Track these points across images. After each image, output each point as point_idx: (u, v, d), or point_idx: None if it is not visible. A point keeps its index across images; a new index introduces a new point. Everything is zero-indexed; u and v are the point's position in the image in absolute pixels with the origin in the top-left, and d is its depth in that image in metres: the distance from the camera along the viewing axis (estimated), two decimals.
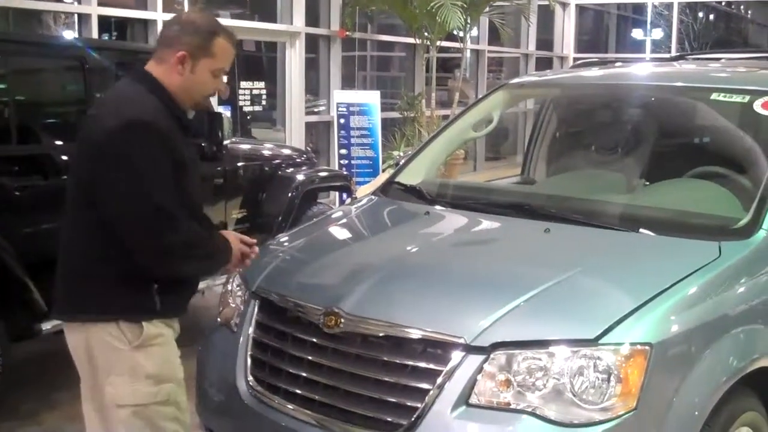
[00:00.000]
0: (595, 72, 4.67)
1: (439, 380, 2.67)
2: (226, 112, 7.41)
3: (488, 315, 2.74)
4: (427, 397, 2.67)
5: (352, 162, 10.90)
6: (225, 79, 2.82)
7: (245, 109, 10.53)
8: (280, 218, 6.34)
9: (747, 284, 3.03)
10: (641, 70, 4.74)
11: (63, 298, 2.70)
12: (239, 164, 6.30)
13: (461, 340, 2.69)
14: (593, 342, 2.62)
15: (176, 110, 2.70)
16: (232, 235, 2.88)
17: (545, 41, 17.88)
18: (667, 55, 5.74)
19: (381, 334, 2.83)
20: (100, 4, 8.35)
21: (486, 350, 2.67)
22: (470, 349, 2.68)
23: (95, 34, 8.22)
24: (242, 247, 2.86)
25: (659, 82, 4.25)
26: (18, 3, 7.96)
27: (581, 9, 19.18)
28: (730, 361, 2.86)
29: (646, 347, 2.61)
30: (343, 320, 2.88)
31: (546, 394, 2.61)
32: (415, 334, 2.77)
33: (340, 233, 3.92)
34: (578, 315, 2.75)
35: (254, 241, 2.91)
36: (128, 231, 2.54)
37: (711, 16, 28.26)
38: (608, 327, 2.64)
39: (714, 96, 3.78)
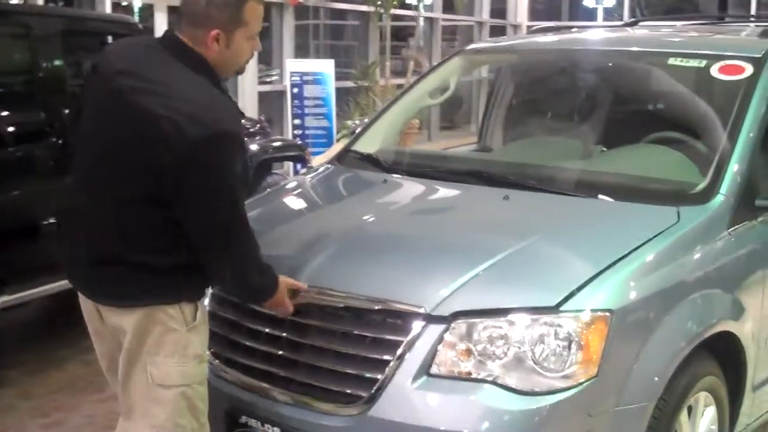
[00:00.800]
0: (551, 38, 4.63)
1: (400, 351, 2.63)
2: None
3: (448, 284, 2.70)
4: (387, 369, 2.62)
5: (306, 132, 10.77)
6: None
7: None
8: None
9: (705, 249, 3.03)
10: (597, 36, 4.72)
11: (112, 285, 2.58)
12: None
13: (421, 310, 2.65)
14: (553, 309, 2.60)
15: (224, 90, 2.61)
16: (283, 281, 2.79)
17: (499, 10, 17.85)
18: (620, 22, 5.68)
19: (339, 306, 2.78)
20: None
21: (446, 319, 2.63)
22: (430, 318, 2.64)
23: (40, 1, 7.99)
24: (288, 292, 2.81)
25: (616, 47, 4.22)
26: None
27: None
28: (689, 326, 2.87)
29: (607, 314, 2.60)
30: (300, 292, 2.83)
31: (507, 363, 2.58)
32: (374, 304, 2.73)
33: (296, 203, 3.85)
34: (538, 282, 2.72)
35: (304, 286, 2.83)
36: (205, 239, 2.53)
37: None
38: (568, 294, 2.62)
39: (671, 61, 3.77)
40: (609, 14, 20.25)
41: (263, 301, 2.78)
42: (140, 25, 5.61)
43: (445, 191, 3.57)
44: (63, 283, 4.48)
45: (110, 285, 2.59)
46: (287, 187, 4.08)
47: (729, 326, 3.03)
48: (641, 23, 5.03)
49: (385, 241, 3.11)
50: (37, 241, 4.87)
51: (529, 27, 15.25)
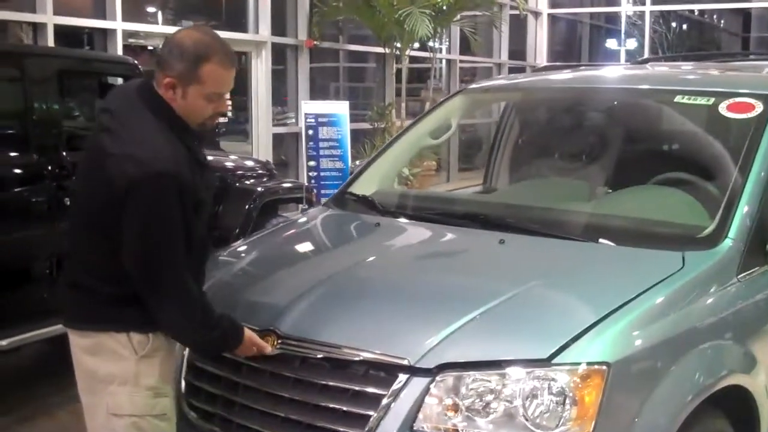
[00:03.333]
0: (557, 75, 4.51)
1: (382, 405, 2.48)
2: None
3: (434, 334, 2.55)
4: (368, 424, 2.48)
5: (321, 173, 10.69)
6: (227, 98, 2.69)
7: None
8: (237, 231, 6.15)
9: (712, 297, 2.86)
10: (605, 73, 4.58)
11: (74, 308, 2.67)
12: None
13: (404, 362, 2.50)
14: (546, 362, 2.44)
15: (186, 138, 2.57)
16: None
17: (518, 51, 17.84)
18: (629, 61, 5.57)
19: (320, 356, 2.63)
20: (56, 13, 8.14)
21: (431, 372, 2.48)
22: (414, 371, 2.49)
23: (50, 44, 8.00)
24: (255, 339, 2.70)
25: (621, 85, 4.08)
26: None
27: (554, 18, 19.14)
28: (696, 378, 2.69)
29: (604, 367, 2.43)
30: (279, 341, 2.69)
31: (497, 419, 2.43)
32: (355, 355, 2.58)
33: (285, 247, 3.70)
34: (530, 333, 2.57)
35: (269, 349, 2.70)
36: (138, 279, 2.51)
37: (684, 26, 28.34)
38: (562, 346, 2.46)
39: (678, 99, 3.62)
40: (631, 56, 20.22)
41: (228, 351, 2.69)
42: (141, 67, 5.52)
43: (437, 235, 3.43)
44: (55, 328, 4.41)
45: (73, 308, 2.68)
46: (278, 229, 3.95)
47: (740, 380, 2.84)
48: (652, 62, 4.90)
49: (370, 288, 2.98)
50: (30, 286, 4.79)
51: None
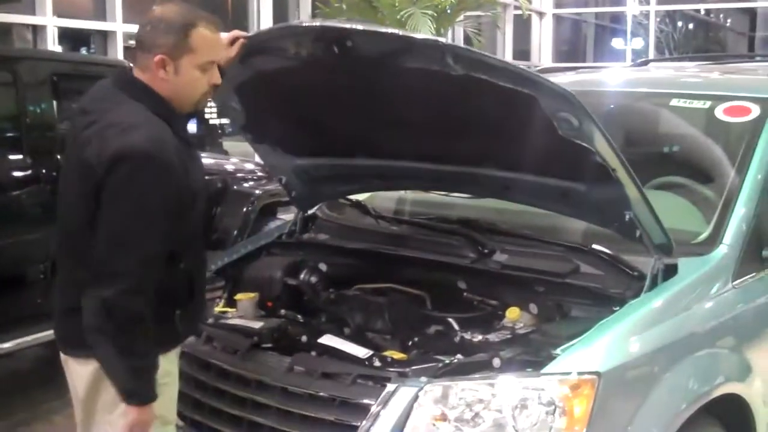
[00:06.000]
0: (554, 79, 4.44)
1: (370, 413, 2.45)
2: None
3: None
4: None
5: None
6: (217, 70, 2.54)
7: (211, 122, 10.30)
8: (236, 233, 6.13)
9: (707, 304, 2.81)
10: (599, 77, 4.53)
11: (71, 334, 2.44)
12: None
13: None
14: (536, 371, 2.41)
15: (174, 122, 2.46)
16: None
17: (523, 51, 17.79)
18: (629, 63, 5.51)
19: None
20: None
21: (420, 381, 2.45)
22: (403, 379, 2.47)
23: (51, 46, 8.00)
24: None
25: (617, 88, 4.03)
26: None
27: (558, 19, 19.08)
28: (690, 386, 2.65)
29: (594, 377, 2.39)
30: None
31: (486, 430, 2.38)
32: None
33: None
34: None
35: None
36: (97, 259, 2.32)
37: (690, 26, 28.28)
38: (552, 355, 2.43)
39: (674, 102, 3.57)
40: (637, 55, 20.15)
41: (129, 398, 2.36)
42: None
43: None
44: (51, 333, 4.37)
45: (70, 333, 2.47)
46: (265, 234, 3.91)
47: (735, 388, 2.80)
48: (652, 63, 4.84)
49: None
50: (24, 290, 4.75)
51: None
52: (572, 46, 22.60)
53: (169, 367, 2.50)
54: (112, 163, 2.29)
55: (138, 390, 2.35)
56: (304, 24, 2.99)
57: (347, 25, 2.79)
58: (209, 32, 2.46)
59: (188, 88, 2.47)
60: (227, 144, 10.79)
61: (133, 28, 9.07)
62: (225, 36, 2.69)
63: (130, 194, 2.30)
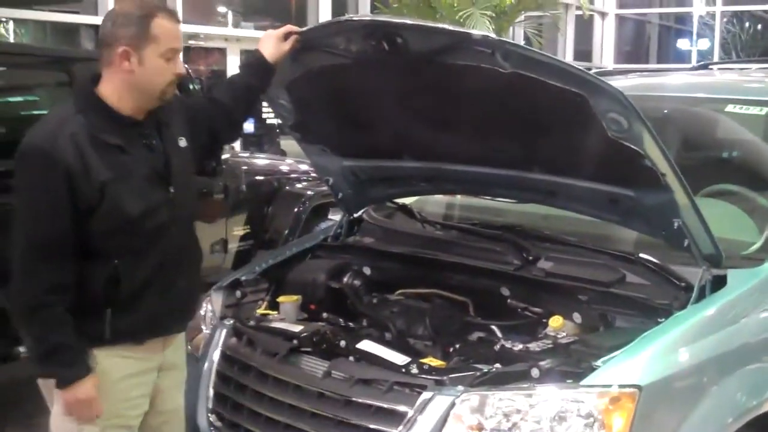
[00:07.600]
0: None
1: (406, 420, 2.43)
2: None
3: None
4: None
5: None
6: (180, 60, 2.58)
7: (269, 121, 10.37)
8: (287, 233, 6.16)
9: (756, 317, 2.71)
10: (655, 81, 4.43)
11: None
12: (241, 179, 6.14)
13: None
14: (575, 383, 2.36)
15: (105, 122, 2.46)
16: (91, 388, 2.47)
17: (584, 52, 17.55)
18: (688, 65, 5.38)
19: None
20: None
21: (457, 390, 2.42)
22: (439, 388, 2.44)
23: None
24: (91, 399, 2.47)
25: (671, 93, 3.93)
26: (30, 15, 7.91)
27: (621, 19, 18.80)
28: (738, 399, 2.57)
29: (635, 390, 2.33)
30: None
31: None
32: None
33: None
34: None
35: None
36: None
37: (758, 26, 27.60)
38: (593, 366, 2.38)
39: (729, 108, 3.48)
40: (703, 57, 19.74)
41: (61, 383, 2.45)
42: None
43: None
44: None
45: None
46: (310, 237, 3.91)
47: None
48: (712, 67, 4.73)
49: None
50: None
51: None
52: (635, 47, 22.23)
53: (105, 363, 2.48)
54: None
55: (55, 372, 2.44)
56: (355, 18, 2.97)
57: (397, 20, 2.78)
58: (169, 22, 2.50)
59: (153, 78, 2.49)
60: (285, 144, 10.85)
61: (193, 29, 9.30)
62: (278, 31, 2.79)
63: (17, 189, 2.43)
